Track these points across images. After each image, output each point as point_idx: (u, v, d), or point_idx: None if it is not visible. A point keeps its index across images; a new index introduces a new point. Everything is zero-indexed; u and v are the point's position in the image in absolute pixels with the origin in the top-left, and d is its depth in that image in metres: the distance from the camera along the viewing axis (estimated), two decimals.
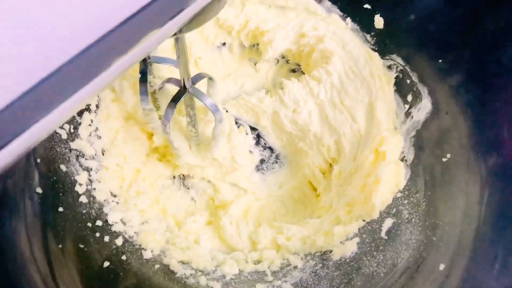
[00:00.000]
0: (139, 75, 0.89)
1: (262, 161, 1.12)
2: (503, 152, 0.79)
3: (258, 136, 1.12)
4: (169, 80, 0.88)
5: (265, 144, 1.12)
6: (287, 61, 1.17)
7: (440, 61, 0.89)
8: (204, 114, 1.00)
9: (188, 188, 1.09)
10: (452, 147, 0.86)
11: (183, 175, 1.09)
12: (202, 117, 1.01)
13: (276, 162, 1.12)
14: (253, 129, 1.12)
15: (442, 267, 0.72)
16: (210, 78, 0.90)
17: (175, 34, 0.53)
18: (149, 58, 0.89)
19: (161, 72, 0.99)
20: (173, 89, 0.86)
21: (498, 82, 0.82)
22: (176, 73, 0.87)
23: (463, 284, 0.72)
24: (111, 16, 0.36)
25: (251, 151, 1.10)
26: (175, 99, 0.84)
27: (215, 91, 0.95)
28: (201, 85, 0.89)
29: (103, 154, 0.95)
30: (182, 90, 0.84)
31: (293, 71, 1.17)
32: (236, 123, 1.09)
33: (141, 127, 1.03)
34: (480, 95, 0.83)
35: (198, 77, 0.86)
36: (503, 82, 0.81)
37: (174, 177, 1.09)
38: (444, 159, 0.85)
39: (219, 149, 1.02)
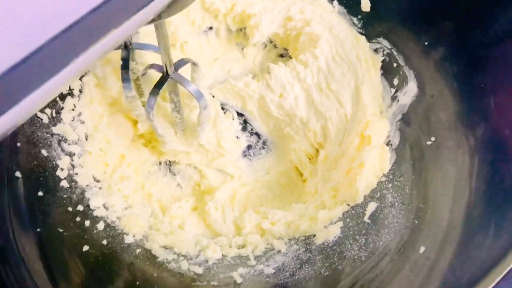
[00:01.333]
0: (121, 62, 0.88)
1: (249, 147, 1.11)
2: (490, 126, 0.78)
3: (245, 122, 1.11)
4: (151, 66, 0.86)
5: (252, 129, 1.11)
6: (275, 46, 1.15)
7: (424, 38, 0.87)
8: (189, 100, 0.99)
9: (174, 174, 1.08)
10: (439, 129, 0.85)
11: (169, 161, 1.09)
12: (187, 103, 0.99)
13: (263, 147, 1.12)
14: (240, 114, 1.11)
15: (422, 250, 0.71)
16: (194, 63, 0.89)
17: (154, 20, 0.52)
18: (131, 44, 0.88)
19: (144, 58, 0.98)
20: (156, 76, 0.85)
21: (483, 53, 0.80)
22: (159, 59, 0.86)
23: (449, 269, 0.71)
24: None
25: (237, 137, 1.09)
26: (158, 86, 0.82)
27: (200, 76, 0.94)
28: (186, 71, 0.88)
29: (86, 139, 0.94)
30: (165, 76, 0.82)
31: (281, 56, 1.16)
32: (223, 108, 1.07)
33: (126, 114, 1.02)
34: (465, 67, 0.82)
35: (181, 62, 0.85)
36: (488, 53, 0.80)
37: (160, 163, 1.08)
38: (429, 142, 0.84)
39: (205, 135, 1.01)
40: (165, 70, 0.81)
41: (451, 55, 0.84)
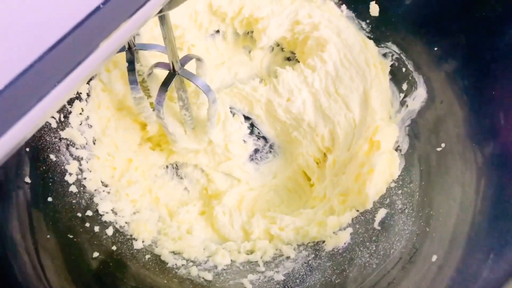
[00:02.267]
0: (127, 64, 0.87)
1: (256, 150, 1.11)
2: (499, 140, 0.78)
3: (252, 126, 1.11)
4: (157, 65, 0.86)
5: (258, 133, 1.11)
6: (282, 49, 1.15)
7: (436, 48, 0.87)
8: (195, 98, 0.99)
9: (181, 178, 1.08)
10: (448, 136, 0.85)
11: (176, 165, 1.08)
12: (194, 101, 0.99)
13: (270, 151, 1.11)
14: (247, 118, 1.11)
15: (434, 258, 0.71)
16: (199, 59, 0.89)
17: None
18: (134, 45, 0.87)
19: (148, 60, 0.98)
20: (162, 75, 0.85)
21: (494, 68, 0.80)
22: (163, 59, 0.86)
23: (457, 275, 0.71)
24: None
25: (244, 141, 1.09)
26: (166, 83, 0.82)
27: (205, 72, 0.93)
28: (191, 68, 0.87)
29: (94, 144, 0.94)
30: (172, 73, 0.82)
31: (288, 59, 1.16)
32: (230, 111, 1.07)
33: (133, 118, 1.01)
34: (476, 81, 0.82)
35: (187, 58, 0.85)
36: (499, 68, 0.79)
37: (167, 166, 1.08)
38: (438, 149, 0.84)
39: (215, 130, 1.01)
40: (171, 67, 0.81)
41: (462, 68, 0.83)
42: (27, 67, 0.31)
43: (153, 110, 0.97)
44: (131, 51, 0.87)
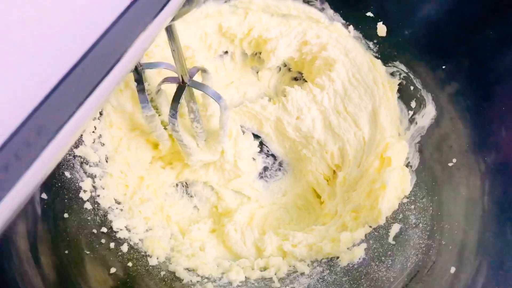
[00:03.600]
0: (135, 84, 0.88)
1: (265, 168, 1.12)
2: (503, 156, 0.80)
3: (261, 144, 1.12)
4: (165, 80, 0.87)
5: (268, 151, 1.12)
6: (289, 69, 1.17)
7: (441, 68, 0.90)
8: (204, 111, 0.99)
9: (191, 196, 1.09)
10: (456, 152, 0.86)
11: (186, 183, 1.09)
12: (203, 114, 0.99)
13: (280, 169, 1.12)
14: (256, 136, 1.12)
15: (453, 270, 0.72)
16: (204, 70, 0.89)
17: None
18: (141, 65, 0.88)
19: (154, 79, 0.99)
20: (170, 92, 0.86)
21: (496, 89, 0.83)
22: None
23: (472, 285, 0.71)
24: (101, 19, 0.34)
25: (254, 158, 1.10)
26: (178, 95, 0.83)
27: (211, 83, 0.94)
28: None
29: (106, 161, 0.95)
30: (181, 85, 0.83)
31: (295, 79, 1.18)
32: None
33: (146, 138, 1.02)
34: (478, 102, 0.84)
35: (194, 70, 0.86)
36: (501, 89, 0.82)
37: (176, 184, 1.08)
38: (450, 164, 0.85)
39: (228, 143, 1.02)
40: (181, 79, 0.82)
41: (465, 90, 0.86)
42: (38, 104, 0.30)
43: (165, 128, 0.98)
44: (137, 70, 0.87)
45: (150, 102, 0.96)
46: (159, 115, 0.99)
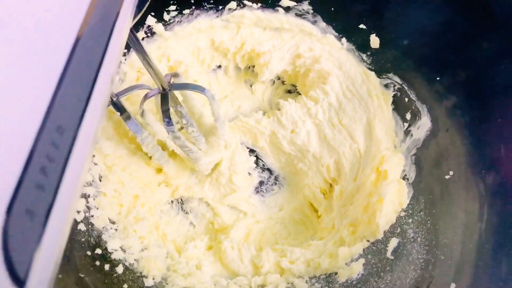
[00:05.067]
0: (119, 114, 0.85)
1: (261, 182, 1.11)
2: (500, 169, 0.79)
3: (257, 158, 1.11)
4: (146, 97, 0.85)
5: (263, 165, 1.11)
6: (283, 82, 1.17)
7: (436, 81, 0.89)
8: (192, 115, 0.96)
9: (186, 213, 1.07)
10: (452, 165, 0.86)
11: (181, 200, 1.08)
12: (193, 119, 0.98)
13: (275, 183, 1.11)
14: (251, 151, 1.11)
15: (453, 286, 0.71)
16: (175, 75, 0.88)
17: None
18: (115, 96, 0.84)
19: (130, 108, 0.97)
20: (153, 107, 0.86)
21: (493, 102, 0.82)
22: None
23: None
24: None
25: (249, 173, 1.09)
26: (164, 104, 0.81)
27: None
28: None
29: (100, 181, 0.93)
30: (164, 93, 0.81)
31: (289, 92, 1.17)
32: None
33: (146, 162, 1.02)
34: (476, 115, 0.83)
35: (168, 76, 0.85)
36: (498, 102, 0.81)
37: (172, 201, 1.07)
38: (447, 176, 0.84)
39: (225, 130, 1.01)
40: (161, 88, 0.81)
41: (461, 102, 0.85)
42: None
43: (163, 150, 0.97)
44: (114, 102, 0.84)
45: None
46: (154, 136, 0.97)
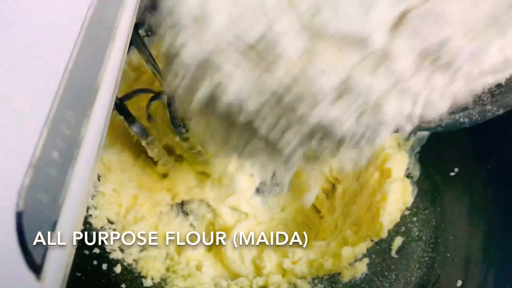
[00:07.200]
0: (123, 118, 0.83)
1: (262, 183, 1.09)
2: (507, 166, 0.78)
3: None
4: (152, 99, 0.83)
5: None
6: None
7: None
8: None
9: (187, 214, 1.06)
10: (457, 161, 0.85)
11: (182, 201, 1.06)
12: None
13: (277, 184, 1.10)
14: None
15: (460, 283, 0.69)
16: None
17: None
18: (119, 100, 0.80)
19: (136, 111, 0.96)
20: (159, 110, 0.85)
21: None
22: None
23: None
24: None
25: (251, 174, 1.07)
26: (171, 106, 0.77)
27: None
28: None
29: (99, 180, 0.92)
30: (169, 95, 0.79)
31: None
32: None
33: (151, 168, 1.01)
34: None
35: None
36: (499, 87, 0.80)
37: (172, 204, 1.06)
38: (452, 173, 0.83)
39: None
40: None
41: None
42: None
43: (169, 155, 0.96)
44: (118, 106, 0.81)
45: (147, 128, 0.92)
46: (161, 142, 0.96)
